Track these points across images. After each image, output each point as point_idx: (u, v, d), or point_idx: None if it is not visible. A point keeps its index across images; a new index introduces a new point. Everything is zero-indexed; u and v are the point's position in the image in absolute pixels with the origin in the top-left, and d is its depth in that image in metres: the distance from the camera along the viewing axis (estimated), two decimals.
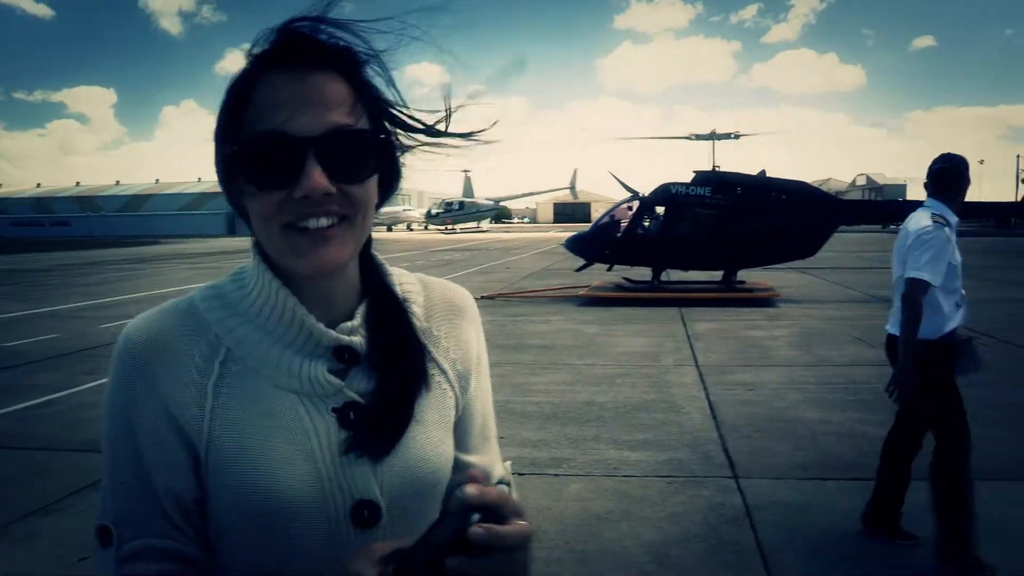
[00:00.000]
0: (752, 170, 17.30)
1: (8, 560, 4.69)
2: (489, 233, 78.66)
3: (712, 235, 16.29)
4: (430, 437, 1.15)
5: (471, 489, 0.85)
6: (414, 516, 1.11)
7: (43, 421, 7.71)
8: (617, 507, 5.23)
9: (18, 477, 6.11)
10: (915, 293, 4.16)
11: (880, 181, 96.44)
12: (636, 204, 17.09)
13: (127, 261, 37.33)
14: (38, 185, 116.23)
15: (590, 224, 19.13)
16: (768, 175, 17.03)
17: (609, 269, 18.11)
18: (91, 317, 15.43)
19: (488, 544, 0.83)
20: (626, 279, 17.72)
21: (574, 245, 18.02)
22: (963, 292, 4.37)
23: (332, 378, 1.09)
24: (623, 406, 7.84)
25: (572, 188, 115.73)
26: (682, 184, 16.63)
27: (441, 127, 1.15)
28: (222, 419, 1.06)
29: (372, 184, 1.07)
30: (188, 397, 1.05)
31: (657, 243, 16.71)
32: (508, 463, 1.32)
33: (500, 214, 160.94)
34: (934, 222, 4.21)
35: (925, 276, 4.14)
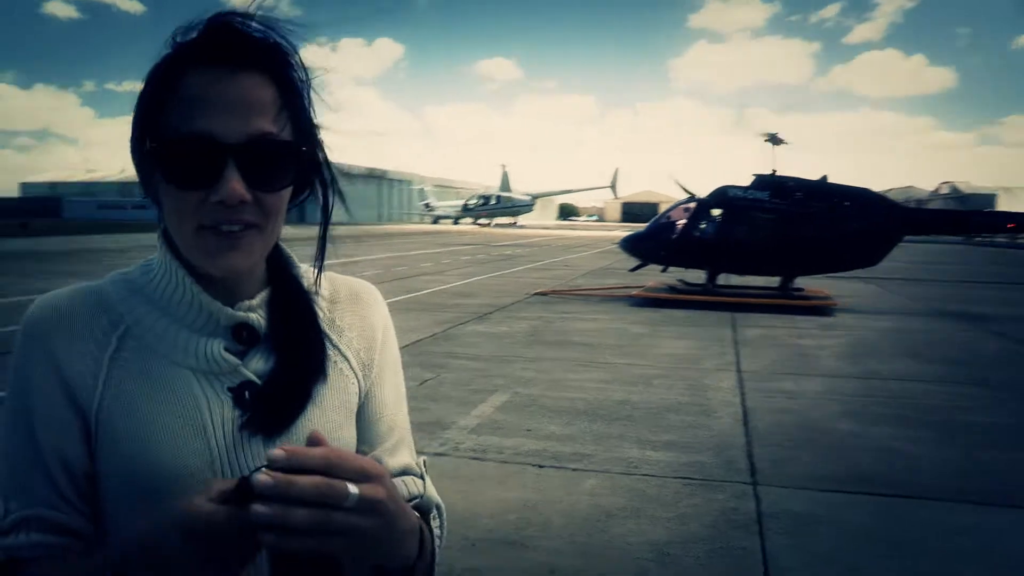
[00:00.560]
0: (828, 177, 16.89)
1: None
2: (554, 230, 78.54)
3: (769, 240, 16.06)
4: (328, 420, 1.16)
5: (277, 451, 0.84)
6: None
7: None
8: (628, 504, 5.21)
9: None
10: None
11: (965, 190, 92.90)
12: (693, 206, 16.94)
13: None
14: (122, 170, 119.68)
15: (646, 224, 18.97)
16: (831, 181, 16.70)
17: (664, 270, 17.96)
18: None
19: (265, 491, 0.81)
20: (681, 281, 17.57)
21: (629, 245, 17.93)
22: None
23: (228, 356, 1.10)
24: (655, 407, 7.79)
25: (613, 187, 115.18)
26: (740, 187, 16.43)
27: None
28: (115, 390, 1.07)
29: (286, 193, 1.08)
30: (84, 367, 1.07)
31: (713, 246, 16.53)
32: (423, 459, 1.33)
33: (567, 211, 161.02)
34: None
35: None
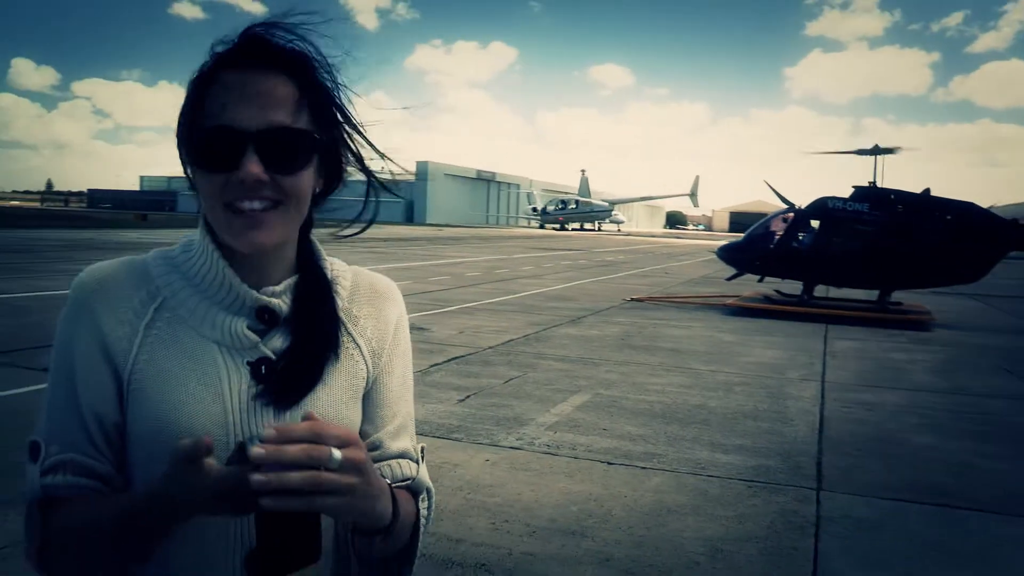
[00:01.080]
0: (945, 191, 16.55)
1: None
2: (660, 238, 77.97)
3: (867, 253, 15.82)
4: (334, 399, 1.28)
5: (268, 430, 0.97)
6: None
7: None
8: (690, 502, 5.40)
9: None
10: None
11: None
12: (791, 216, 16.82)
13: None
14: None
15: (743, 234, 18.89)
16: (933, 194, 16.34)
17: (760, 280, 17.87)
18: None
19: (259, 460, 0.95)
20: (778, 292, 17.45)
21: (726, 254, 17.92)
22: None
23: (249, 333, 1.23)
24: (732, 412, 7.92)
25: (693, 196, 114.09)
26: (840, 199, 16.23)
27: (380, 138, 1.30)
28: (147, 355, 1.20)
29: (305, 176, 1.20)
30: (122, 333, 1.20)
31: (810, 257, 16.38)
32: (422, 445, 1.43)
33: (675, 220, 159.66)
34: None
35: None
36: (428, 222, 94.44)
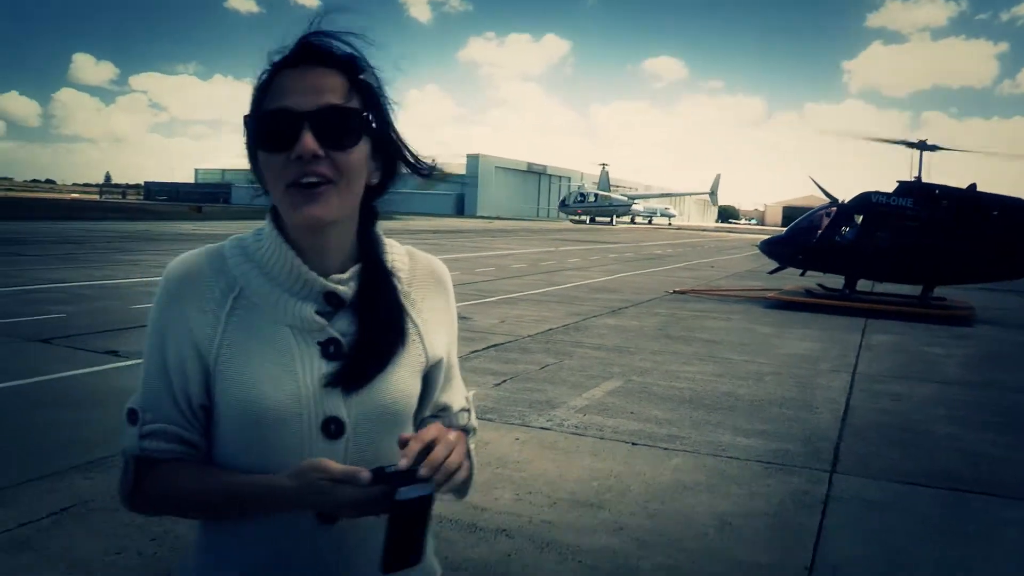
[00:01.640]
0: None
1: None
2: (712, 232, 77.57)
3: (910, 248, 15.85)
4: (396, 376, 1.41)
5: (403, 461, 1.21)
6: (374, 436, 1.38)
7: None
8: (706, 481, 5.69)
9: None
10: None
11: None
12: (833, 211, 16.88)
13: None
14: None
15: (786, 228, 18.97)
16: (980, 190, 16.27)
17: (802, 274, 17.95)
18: None
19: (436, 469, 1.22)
20: (820, 286, 17.51)
21: (768, 248, 18.04)
22: None
23: (318, 317, 1.36)
24: (759, 400, 8.16)
25: (713, 194, 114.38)
26: (884, 193, 16.24)
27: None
28: (229, 341, 1.34)
29: (357, 154, 1.31)
30: (205, 321, 1.34)
31: (852, 252, 16.43)
32: (471, 393, 1.68)
33: (728, 214, 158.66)
34: None
35: None
36: (479, 215, 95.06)
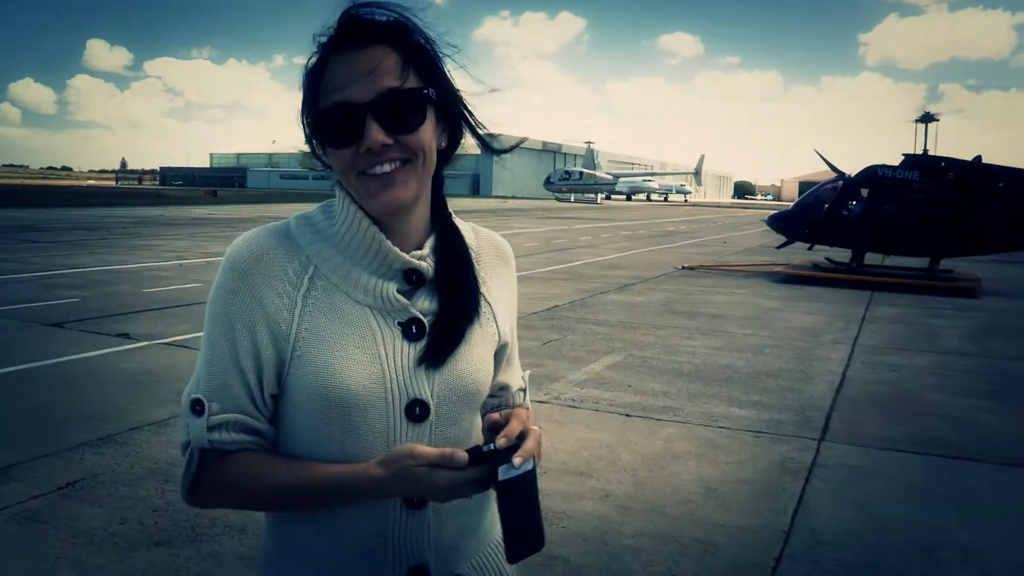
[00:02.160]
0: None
1: None
2: (728, 208, 77.30)
3: (917, 220, 15.86)
4: (475, 356, 1.38)
5: (501, 440, 1.23)
6: (456, 417, 1.36)
7: None
8: (696, 450, 5.84)
9: None
10: None
11: None
12: (840, 184, 16.91)
13: None
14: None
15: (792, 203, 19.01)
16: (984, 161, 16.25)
17: (810, 248, 18.02)
18: None
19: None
20: (828, 259, 17.57)
21: (776, 222, 18.10)
22: None
23: (400, 296, 1.31)
24: (757, 372, 8.29)
25: (697, 174, 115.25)
26: (890, 167, 16.25)
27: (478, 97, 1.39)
28: (308, 323, 1.28)
29: (426, 131, 1.28)
30: (281, 304, 1.28)
31: (859, 225, 16.47)
32: (527, 372, 1.66)
33: (744, 190, 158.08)
34: None
35: None
36: (494, 195, 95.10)
